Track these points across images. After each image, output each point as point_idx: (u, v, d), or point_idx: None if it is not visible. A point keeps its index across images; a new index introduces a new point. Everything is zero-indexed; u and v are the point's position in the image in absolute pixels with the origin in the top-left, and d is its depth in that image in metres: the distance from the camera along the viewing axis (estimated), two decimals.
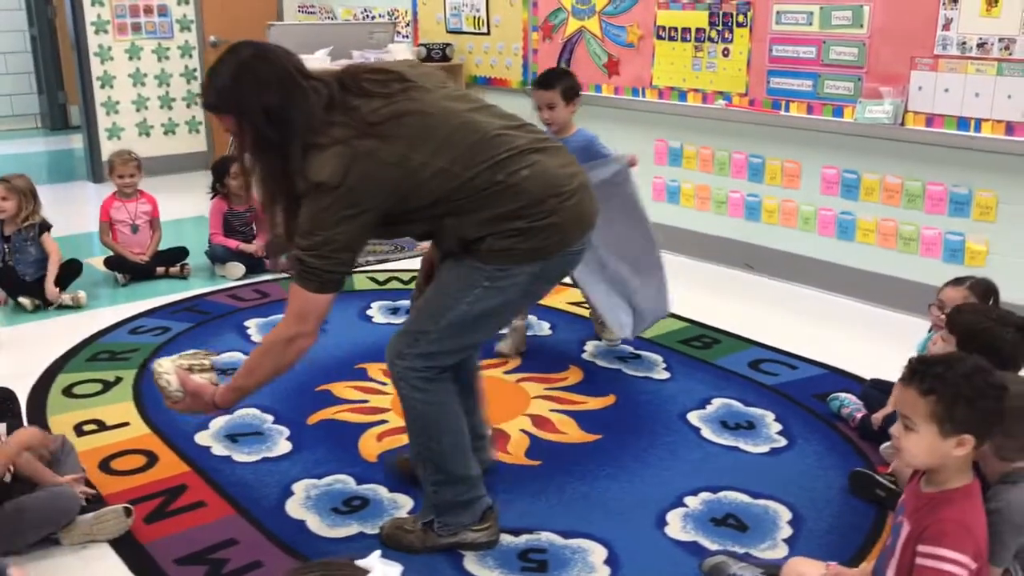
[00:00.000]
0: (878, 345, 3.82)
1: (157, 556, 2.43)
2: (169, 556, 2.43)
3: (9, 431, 2.63)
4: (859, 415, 3.11)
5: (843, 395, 3.26)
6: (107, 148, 6.90)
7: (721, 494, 2.75)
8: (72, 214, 5.82)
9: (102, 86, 7.10)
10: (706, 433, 3.13)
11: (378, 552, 1.37)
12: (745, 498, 2.73)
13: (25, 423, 2.96)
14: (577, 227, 2.24)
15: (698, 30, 4.83)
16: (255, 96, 2.07)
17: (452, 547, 2.45)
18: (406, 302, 4.40)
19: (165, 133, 7.43)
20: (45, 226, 4.45)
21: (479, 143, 2.16)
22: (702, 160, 5.05)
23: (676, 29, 4.94)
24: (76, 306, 4.37)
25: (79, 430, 3.11)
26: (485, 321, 2.29)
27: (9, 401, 2.81)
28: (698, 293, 4.60)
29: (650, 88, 5.14)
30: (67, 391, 3.43)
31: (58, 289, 4.35)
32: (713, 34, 4.77)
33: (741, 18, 4.62)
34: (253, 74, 2.08)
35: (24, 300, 4.31)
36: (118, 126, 7.21)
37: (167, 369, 2.32)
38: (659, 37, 5.03)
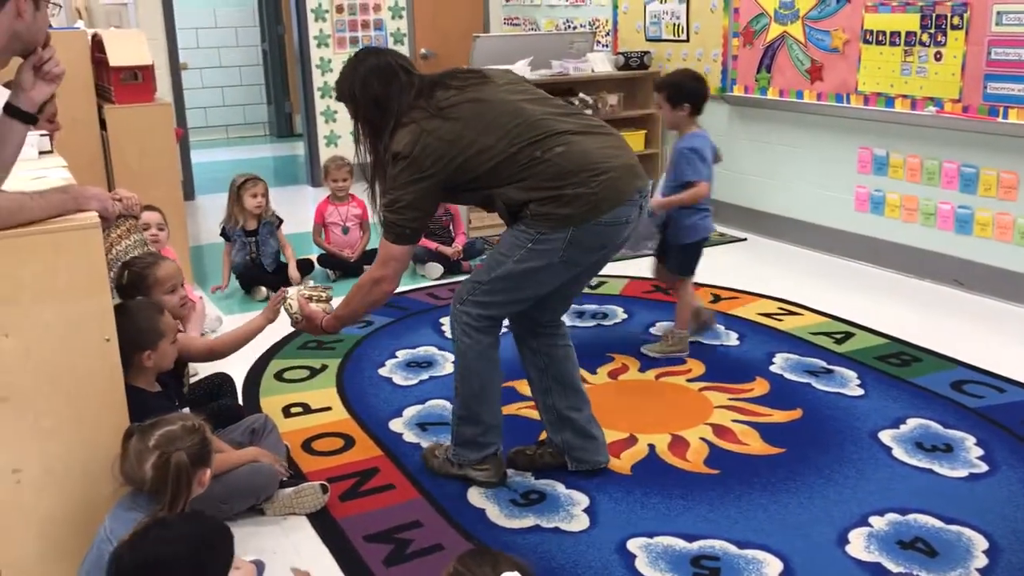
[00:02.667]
0: None
1: (348, 531, 2.61)
2: (359, 532, 2.60)
3: (224, 410, 2.91)
4: None
5: None
6: (324, 154, 7.39)
7: (910, 516, 2.63)
8: (292, 215, 6.27)
9: (322, 96, 7.61)
10: (898, 453, 3.00)
11: None
12: (936, 523, 2.60)
13: (240, 403, 3.26)
14: (607, 200, 2.51)
15: (908, 33, 4.61)
16: (368, 89, 2.58)
17: (458, 478, 2.82)
18: (592, 306, 4.48)
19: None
20: (280, 221, 4.92)
21: (523, 124, 2.52)
22: (909, 169, 4.81)
23: (884, 33, 4.73)
24: None
25: (286, 412, 3.38)
26: (529, 279, 2.60)
27: (226, 383, 3.10)
28: (901, 309, 4.40)
29: (855, 94, 4.96)
30: (278, 375, 3.73)
31: (299, 275, 4.82)
32: (925, 37, 4.54)
33: (956, 20, 4.37)
34: (368, 73, 2.59)
35: (263, 288, 4.72)
36: (335, 134, 7.71)
37: (292, 296, 2.84)
38: (866, 41, 4.84)
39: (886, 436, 3.11)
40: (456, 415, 2.80)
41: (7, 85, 2.24)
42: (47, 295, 2.03)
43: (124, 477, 2.06)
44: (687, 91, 3.72)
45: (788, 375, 3.63)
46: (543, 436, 3.02)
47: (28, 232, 2.00)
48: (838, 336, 4.03)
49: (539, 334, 2.84)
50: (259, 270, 4.82)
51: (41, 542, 2.16)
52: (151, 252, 2.91)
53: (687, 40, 6.12)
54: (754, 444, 3.08)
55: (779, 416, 3.28)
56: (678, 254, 3.84)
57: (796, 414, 3.29)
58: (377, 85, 2.57)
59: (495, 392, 2.75)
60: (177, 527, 1.88)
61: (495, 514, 2.69)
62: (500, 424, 2.80)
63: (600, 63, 6.21)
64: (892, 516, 2.63)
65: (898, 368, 3.67)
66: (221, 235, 4.91)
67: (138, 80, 4.64)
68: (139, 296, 2.65)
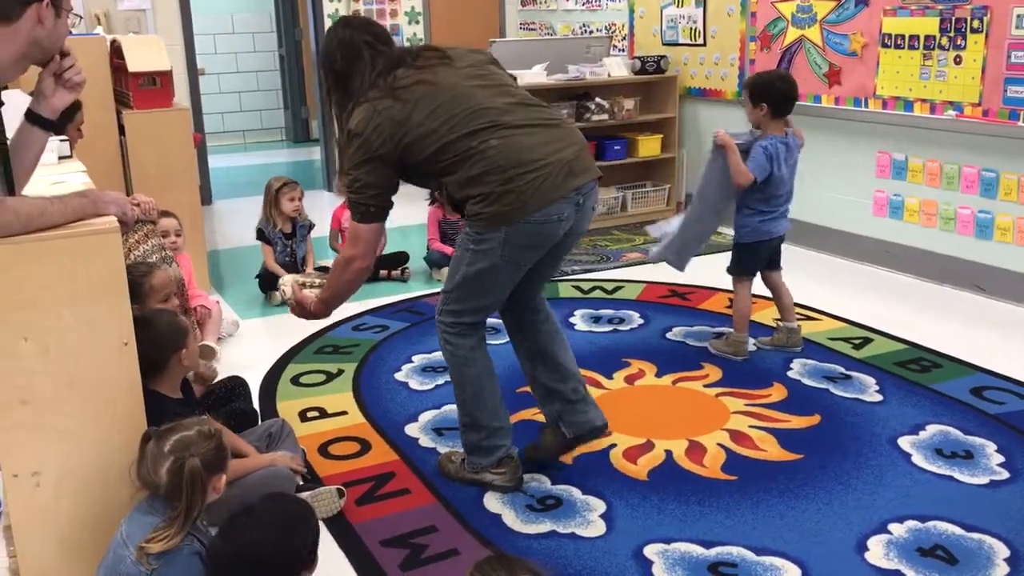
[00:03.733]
0: None
1: (364, 536, 2.61)
2: (375, 537, 2.60)
3: (240, 414, 2.92)
4: None
5: None
6: None
7: (930, 524, 2.61)
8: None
9: None
10: (917, 460, 2.97)
11: None
12: (957, 530, 2.57)
13: (257, 407, 3.27)
14: (534, 200, 2.50)
15: (927, 37, 4.58)
16: (333, 65, 2.62)
17: (475, 483, 2.84)
18: (609, 311, 4.46)
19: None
20: (312, 225, 5.01)
21: (465, 112, 2.51)
22: (929, 174, 4.78)
23: (903, 37, 4.71)
24: None
25: (303, 416, 3.38)
26: (483, 282, 2.63)
27: (240, 387, 3.11)
28: (920, 314, 4.37)
29: (873, 98, 4.93)
30: (295, 380, 3.74)
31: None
32: (944, 41, 4.51)
33: (976, 23, 4.34)
34: (333, 48, 2.62)
35: (277, 294, 4.73)
36: None
37: (286, 282, 3.00)
38: (884, 45, 4.82)
39: (905, 442, 3.09)
40: (460, 423, 2.84)
41: (30, 93, 2.26)
42: (66, 299, 2.04)
43: (140, 481, 2.06)
44: (767, 90, 3.70)
45: (806, 381, 3.60)
46: None
47: (47, 236, 2.01)
48: (856, 342, 4.00)
49: (523, 322, 2.88)
50: (297, 272, 4.83)
51: (60, 544, 2.17)
52: (146, 261, 2.93)
53: (704, 44, 6.10)
54: (772, 450, 3.06)
55: (797, 422, 3.26)
56: (733, 251, 3.88)
57: (814, 420, 3.27)
58: (340, 62, 2.60)
59: (490, 395, 2.77)
60: (262, 513, 1.95)
61: (511, 519, 2.68)
62: (505, 426, 2.82)
63: (616, 67, 6.21)
64: (912, 523, 2.61)
65: (917, 374, 3.65)
66: (258, 237, 4.91)
67: (156, 86, 4.67)
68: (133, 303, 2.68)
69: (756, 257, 3.84)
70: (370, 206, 2.61)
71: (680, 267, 3.92)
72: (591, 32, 7.20)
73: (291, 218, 4.88)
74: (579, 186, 2.58)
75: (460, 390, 2.78)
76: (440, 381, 3.68)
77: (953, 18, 4.44)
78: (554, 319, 2.92)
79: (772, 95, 3.67)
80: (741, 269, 3.86)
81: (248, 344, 4.25)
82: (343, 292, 2.81)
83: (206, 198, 7.35)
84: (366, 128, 2.51)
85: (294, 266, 4.87)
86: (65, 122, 3.54)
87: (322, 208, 6.80)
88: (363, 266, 2.71)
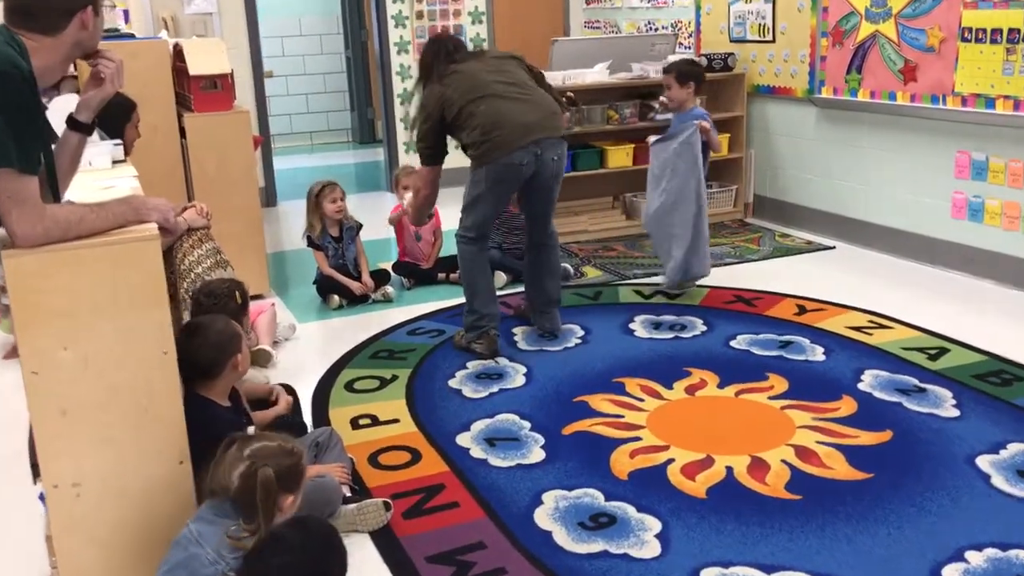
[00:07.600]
0: None
1: (410, 551, 2.54)
2: (421, 552, 2.53)
3: (287, 424, 2.88)
4: None
5: None
6: (404, 161, 7.40)
7: (1012, 552, 2.44)
8: (371, 222, 6.27)
9: (402, 102, 7.61)
10: (997, 482, 2.79)
11: None
12: None
13: (308, 415, 3.23)
14: (500, 148, 3.68)
15: (1011, 31, 4.34)
16: (424, 59, 3.93)
17: (466, 350, 3.95)
18: (670, 317, 4.33)
19: (455, 148, 7.82)
20: (359, 226, 4.94)
21: (473, 87, 3.75)
22: (1011, 175, 4.53)
23: (985, 30, 4.47)
24: (387, 300, 4.81)
25: (354, 423, 3.33)
26: (479, 204, 3.85)
27: (290, 393, 3.07)
28: (1000, 323, 4.14)
29: (952, 95, 4.70)
30: (349, 386, 3.69)
31: (373, 283, 4.81)
32: None
33: None
34: (428, 49, 3.93)
35: (336, 297, 4.73)
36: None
37: (407, 199, 4.31)
38: (964, 39, 4.58)
39: (984, 462, 2.90)
40: (464, 309, 3.98)
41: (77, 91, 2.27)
42: (105, 308, 2.02)
43: (213, 482, 2.06)
44: (694, 70, 4.62)
45: (877, 393, 3.43)
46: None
47: (86, 244, 1.99)
48: (932, 352, 3.80)
49: (534, 245, 4.09)
50: (348, 275, 4.81)
51: (102, 552, 2.16)
52: (227, 278, 2.89)
53: (773, 41, 5.91)
54: (839, 468, 2.91)
55: (867, 438, 3.10)
56: None
57: (885, 436, 3.10)
58: (428, 58, 3.89)
59: (484, 289, 3.95)
60: (291, 537, 1.95)
61: (562, 537, 2.58)
62: (491, 313, 3.92)
63: None
64: (991, 551, 2.44)
65: (998, 388, 3.44)
66: (308, 244, 4.88)
67: (217, 88, 4.68)
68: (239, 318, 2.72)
69: None
70: (427, 154, 3.87)
71: (706, 271, 4.62)
72: (656, 30, 7.05)
73: (337, 221, 4.83)
74: (535, 140, 3.70)
75: (466, 283, 3.97)
76: (494, 389, 3.60)
77: None
78: (555, 258, 4.12)
79: (696, 75, 4.57)
80: None
81: (304, 348, 4.23)
82: (422, 210, 4.31)
83: (271, 199, 7.40)
84: (427, 100, 3.82)
85: (346, 270, 4.82)
86: (120, 124, 3.56)
87: (386, 209, 6.78)
88: (426, 193, 4.06)
